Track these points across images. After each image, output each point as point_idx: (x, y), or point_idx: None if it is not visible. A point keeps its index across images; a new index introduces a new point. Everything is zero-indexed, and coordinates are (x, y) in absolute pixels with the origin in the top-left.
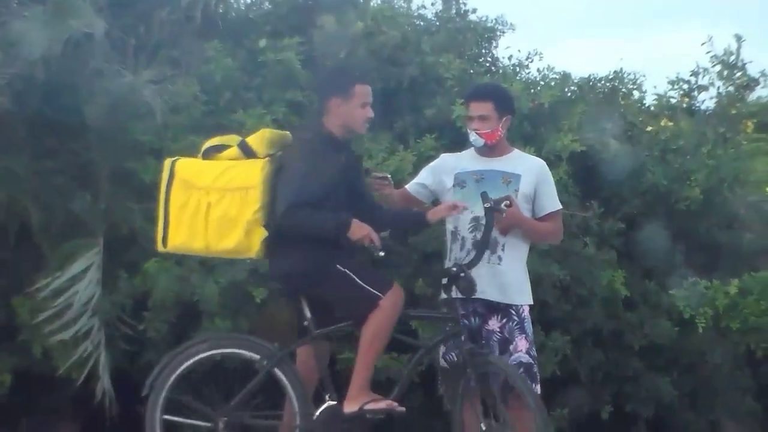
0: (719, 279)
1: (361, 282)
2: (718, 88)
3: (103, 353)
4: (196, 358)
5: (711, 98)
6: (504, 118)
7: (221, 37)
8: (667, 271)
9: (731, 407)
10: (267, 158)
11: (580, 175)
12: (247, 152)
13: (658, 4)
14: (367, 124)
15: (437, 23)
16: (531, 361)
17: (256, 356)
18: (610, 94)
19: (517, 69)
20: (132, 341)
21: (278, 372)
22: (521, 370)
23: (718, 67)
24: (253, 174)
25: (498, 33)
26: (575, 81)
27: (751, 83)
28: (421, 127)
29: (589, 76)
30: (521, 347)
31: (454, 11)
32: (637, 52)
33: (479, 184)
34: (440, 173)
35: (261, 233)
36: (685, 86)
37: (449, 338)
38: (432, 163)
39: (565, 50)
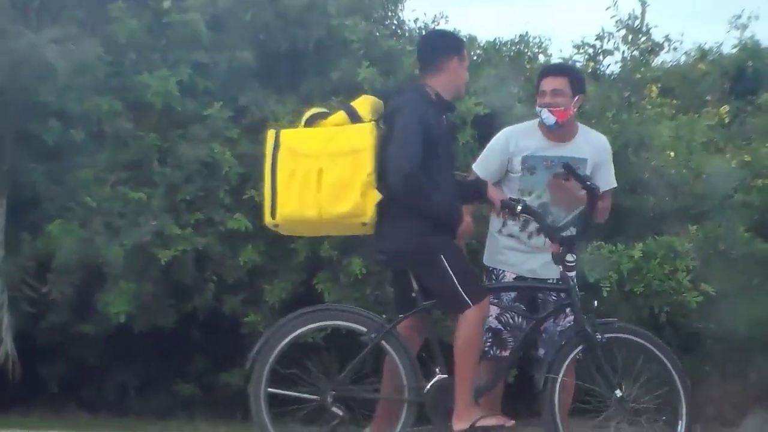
0: (623, 243)
1: (457, 284)
2: (623, 52)
3: (6, 315)
4: (302, 329)
5: (616, 62)
6: (576, 97)
7: None
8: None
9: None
10: (374, 122)
11: (486, 139)
12: (354, 117)
13: None
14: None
15: None
16: None
17: (363, 328)
18: (516, 58)
19: (423, 32)
20: (35, 303)
21: (386, 344)
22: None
23: (622, 32)
24: (363, 137)
25: None
26: (481, 45)
27: (655, 48)
28: (327, 90)
29: (495, 39)
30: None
31: None
32: (542, 16)
33: (549, 171)
34: (509, 154)
35: (375, 196)
36: (590, 50)
37: (562, 309)
38: (498, 142)
39: (471, 14)
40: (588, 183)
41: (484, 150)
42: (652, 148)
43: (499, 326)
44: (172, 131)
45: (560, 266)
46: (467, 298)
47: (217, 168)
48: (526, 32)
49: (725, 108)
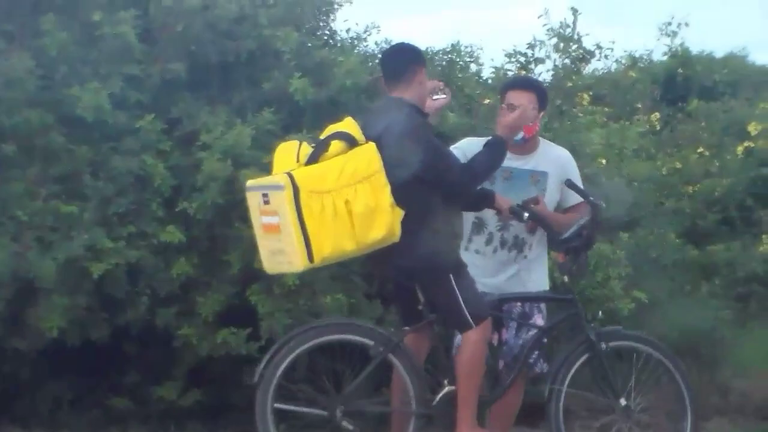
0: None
1: (461, 302)
2: (555, 60)
3: None
4: (309, 344)
5: (547, 71)
6: (541, 113)
7: (56, 10)
8: None
9: None
10: (370, 142)
11: None
12: (351, 142)
13: None
14: None
15: None
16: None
17: (371, 342)
18: (448, 68)
19: (355, 42)
20: None
21: (393, 358)
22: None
23: (554, 40)
24: (371, 160)
25: (335, 6)
26: None
27: (586, 56)
28: (259, 101)
29: (427, 49)
30: (539, 323)
31: None
32: (474, 26)
33: (507, 183)
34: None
35: (400, 213)
36: (522, 59)
37: (568, 319)
38: (460, 145)
39: (403, 23)
40: (591, 198)
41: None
42: (584, 155)
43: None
44: (104, 144)
45: (566, 276)
46: (470, 319)
47: (150, 180)
48: (458, 41)
49: (656, 115)
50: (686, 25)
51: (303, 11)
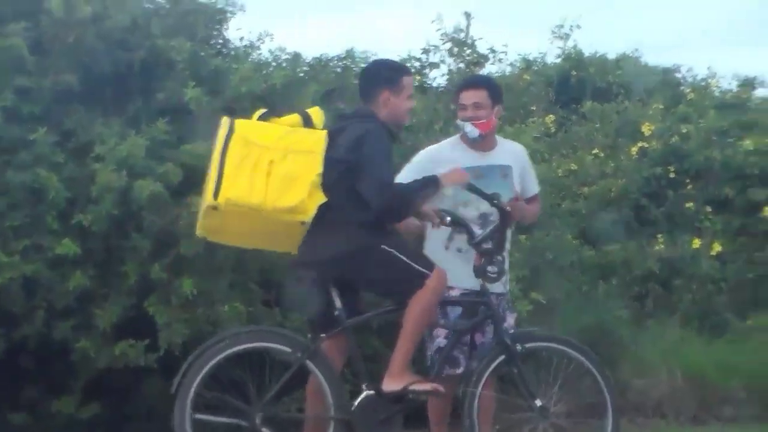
0: None
1: (408, 260)
2: (449, 65)
3: None
4: (225, 353)
5: (442, 75)
6: (496, 108)
7: None
8: None
9: None
10: (325, 131)
11: None
12: (308, 122)
13: None
14: (408, 114)
15: (167, 6)
16: None
17: (287, 349)
18: (343, 74)
19: (249, 50)
20: None
21: (310, 364)
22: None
23: (448, 45)
24: (316, 141)
25: (228, 14)
26: (307, 61)
27: (480, 60)
28: (153, 111)
29: (321, 56)
30: (510, 322)
31: None
32: (368, 31)
33: (480, 181)
34: (435, 168)
35: (320, 197)
36: (417, 64)
37: (483, 321)
38: (419, 159)
39: (297, 30)
40: (495, 201)
41: (405, 171)
42: None
43: (449, 345)
44: None
45: (481, 278)
46: (423, 269)
47: (44, 193)
48: (352, 48)
49: (551, 117)
50: (578, 27)
51: (195, 20)
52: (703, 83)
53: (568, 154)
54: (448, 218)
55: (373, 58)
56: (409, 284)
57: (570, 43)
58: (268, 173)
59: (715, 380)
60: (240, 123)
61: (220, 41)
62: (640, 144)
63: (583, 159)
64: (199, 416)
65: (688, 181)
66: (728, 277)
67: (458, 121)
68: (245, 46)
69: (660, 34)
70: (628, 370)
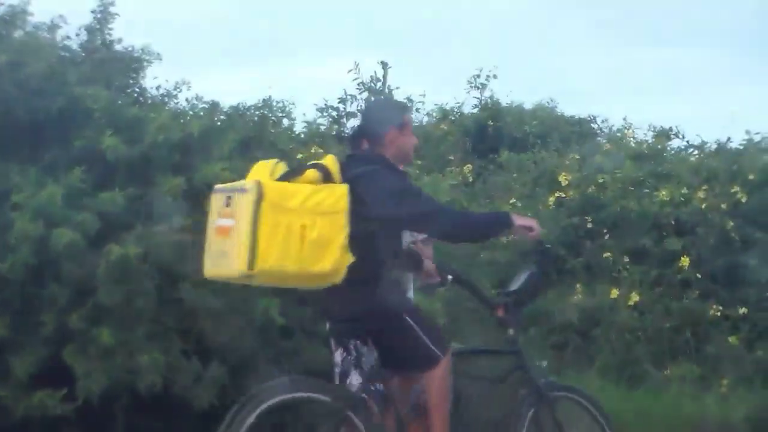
0: None
1: (425, 338)
2: None
3: None
4: (268, 403)
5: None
6: None
7: None
8: None
9: None
10: (346, 186)
11: None
12: (327, 177)
13: (303, 34)
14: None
15: (83, 54)
16: None
17: (328, 399)
18: (260, 123)
19: (166, 99)
20: None
21: (352, 415)
22: None
23: (365, 94)
24: (340, 198)
25: (145, 63)
26: (224, 110)
27: None
28: (70, 160)
29: (238, 104)
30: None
31: (99, 42)
32: (285, 81)
33: None
34: None
35: (349, 258)
36: (334, 113)
37: (515, 371)
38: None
39: (214, 80)
40: (546, 247)
41: None
42: None
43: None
44: None
45: (511, 329)
46: (437, 351)
47: None
48: (269, 96)
49: (468, 167)
50: (494, 77)
51: (112, 69)
52: (618, 134)
53: (486, 203)
54: (450, 277)
55: (290, 107)
56: (422, 362)
57: (486, 93)
58: (301, 239)
59: (634, 430)
60: (269, 187)
61: (137, 89)
62: (557, 194)
63: (500, 209)
64: None
65: (605, 231)
66: (646, 327)
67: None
68: (162, 94)
69: (575, 85)
70: None
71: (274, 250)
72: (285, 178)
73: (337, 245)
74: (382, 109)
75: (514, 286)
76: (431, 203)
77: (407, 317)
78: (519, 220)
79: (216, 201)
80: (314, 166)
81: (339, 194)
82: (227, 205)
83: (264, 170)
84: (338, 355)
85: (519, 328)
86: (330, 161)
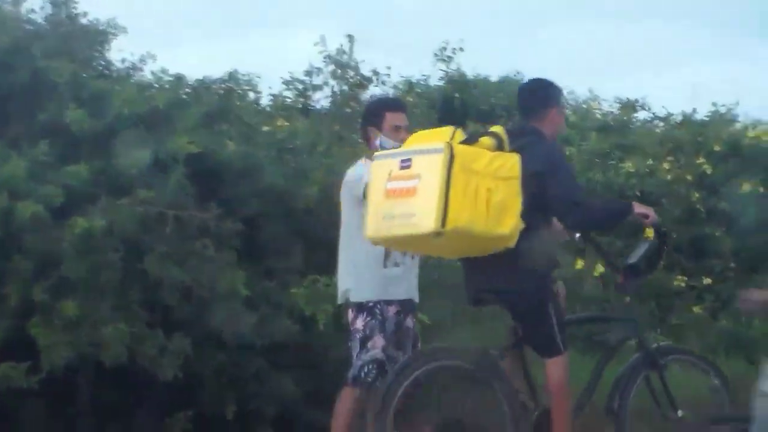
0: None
1: (557, 331)
2: (333, 87)
3: None
4: (420, 371)
5: (326, 97)
6: None
7: None
8: (288, 270)
9: None
10: (517, 155)
11: (198, 177)
12: (501, 145)
13: (268, 8)
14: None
15: (48, 27)
16: None
17: (472, 366)
18: (226, 96)
19: (131, 72)
20: None
21: (491, 378)
22: None
23: (331, 67)
24: (514, 165)
25: (110, 36)
26: (190, 83)
27: (364, 82)
28: (35, 133)
29: (204, 78)
30: (379, 344)
31: (64, 15)
32: (251, 54)
33: None
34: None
35: (521, 224)
36: (300, 86)
37: (629, 339)
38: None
39: (180, 53)
40: (663, 229)
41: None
42: None
43: (384, 359)
44: None
45: (627, 297)
46: (561, 345)
47: None
48: (235, 70)
49: None
50: (461, 50)
51: (77, 42)
52: (584, 106)
53: None
54: (577, 235)
55: (256, 80)
56: (545, 350)
57: (453, 66)
58: (487, 201)
59: (600, 401)
60: (459, 150)
61: (102, 63)
62: None
63: None
64: None
65: None
66: (610, 298)
67: (395, 142)
68: (127, 67)
69: (543, 58)
70: None
71: (465, 210)
72: (465, 143)
73: (515, 210)
74: (547, 88)
75: (633, 258)
76: (579, 192)
77: (549, 307)
78: (638, 209)
79: (382, 167)
80: (489, 133)
81: (514, 161)
82: (406, 167)
83: (444, 135)
84: (360, 322)
85: (634, 295)
86: (501, 131)
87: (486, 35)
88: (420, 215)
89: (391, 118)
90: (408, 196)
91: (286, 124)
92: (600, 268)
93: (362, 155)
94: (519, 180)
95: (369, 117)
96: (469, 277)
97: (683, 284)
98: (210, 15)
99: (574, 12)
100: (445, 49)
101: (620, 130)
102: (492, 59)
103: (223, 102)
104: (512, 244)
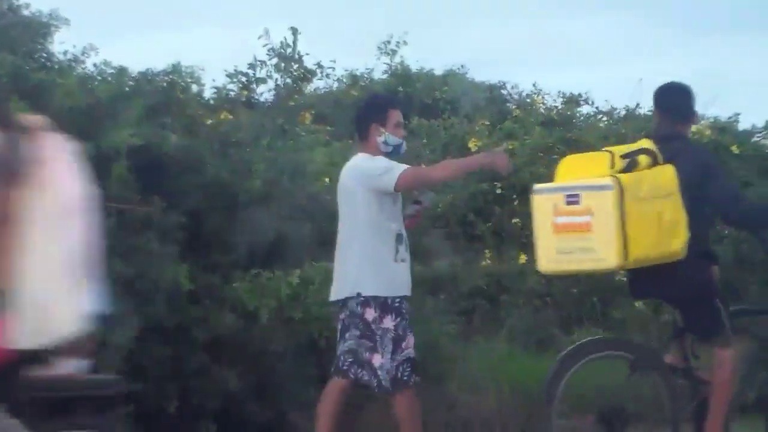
0: (282, 270)
1: (725, 322)
2: (276, 80)
3: None
4: (583, 361)
5: (269, 90)
6: None
7: None
8: (231, 264)
9: (296, 397)
10: (670, 165)
11: (141, 170)
12: (654, 159)
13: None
14: None
15: None
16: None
17: (633, 357)
18: (169, 88)
19: (73, 64)
20: None
21: (652, 369)
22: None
23: (275, 60)
24: (672, 179)
25: (52, 28)
26: (132, 75)
27: (307, 75)
28: None
29: (147, 70)
30: (411, 343)
31: (6, 6)
32: (195, 46)
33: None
34: None
35: (688, 233)
36: (244, 79)
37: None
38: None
39: (122, 45)
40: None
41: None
42: (307, 174)
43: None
44: None
45: None
46: (731, 333)
47: None
48: (178, 62)
49: None
50: (405, 43)
51: (18, 34)
52: (528, 100)
53: None
54: None
55: (199, 72)
56: (713, 340)
57: (397, 59)
58: (659, 224)
59: (541, 395)
60: (626, 183)
61: (44, 55)
62: None
63: None
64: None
65: (514, 197)
66: (554, 292)
67: (397, 138)
68: (69, 60)
69: (486, 52)
70: (455, 386)
71: (643, 239)
72: (627, 169)
73: (683, 224)
74: (690, 96)
75: None
76: (738, 190)
77: (717, 301)
78: None
79: (546, 201)
80: (643, 151)
81: (670, 175)
82: (573, 202)
83: (603, 164)
84: (389, 322)
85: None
86: (652, 145)
87: (430, 28)
88: (600, 251)
89: (395, 116)
90: (582, 231)
91: (230, 117)
92: None
93: (355, 151)
94: (678, 192)
95: (372, 113)
96: (633, 270)
97: (624, 279)
98: (153, 8)
99: (520, 5)
100: (389, 42)
101: (564, 124)
102: (436, 53)
103: (166, 95)
104: (682, 255)
